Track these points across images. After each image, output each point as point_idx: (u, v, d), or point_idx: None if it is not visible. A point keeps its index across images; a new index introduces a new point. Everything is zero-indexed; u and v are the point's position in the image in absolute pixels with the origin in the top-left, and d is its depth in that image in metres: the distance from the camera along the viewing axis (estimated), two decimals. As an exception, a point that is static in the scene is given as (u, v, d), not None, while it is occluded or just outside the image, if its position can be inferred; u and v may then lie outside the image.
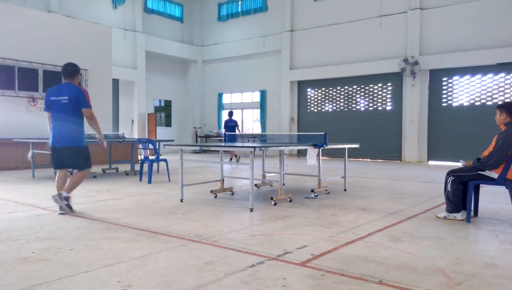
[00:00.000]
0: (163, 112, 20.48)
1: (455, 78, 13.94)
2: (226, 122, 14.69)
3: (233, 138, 13.58)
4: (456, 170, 4.90)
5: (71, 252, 3.44)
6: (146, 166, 8.95)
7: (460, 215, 4.78)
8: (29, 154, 8.92)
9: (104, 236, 3.98)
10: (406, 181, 8.83)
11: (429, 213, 5.23)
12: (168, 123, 20.66)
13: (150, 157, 8.92)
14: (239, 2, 19.47)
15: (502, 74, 13.04)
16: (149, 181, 8.14)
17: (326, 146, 6.40)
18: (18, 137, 10.24)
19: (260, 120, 19.00)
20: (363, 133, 15.54)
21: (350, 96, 16.29)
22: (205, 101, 21.01)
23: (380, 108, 15.58)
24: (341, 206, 5.68)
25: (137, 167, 9.89)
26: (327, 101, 16.92)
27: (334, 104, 16.73)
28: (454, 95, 14.01)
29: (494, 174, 4.63)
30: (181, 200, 5.95)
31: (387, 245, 3.70)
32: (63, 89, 5.05)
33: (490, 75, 13.25)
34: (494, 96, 13.20)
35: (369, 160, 15.44)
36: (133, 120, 18.33)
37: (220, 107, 20.41)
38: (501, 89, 13.11)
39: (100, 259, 3.23)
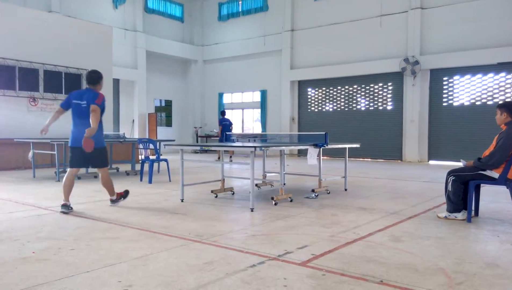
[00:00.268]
0: (164, 112, 20.49)
1: (456, 77, 13.93)
2: (221, 121, 14.93)
3: (229, 137, 13.67)
4: (456, 169, 4.89)
5: (72, 252, 3.44)
6: (146, 166, 8.97)
7: (460, 215, 4.77)
8: (30, 154, 8.92)
9: (105, 236, 3.98)
10: (406, 181, 8.83)
11: (429, 213, 5.23)
12: (168, 123, 20.67)
13: (151, 157, 8.92)
14: (240, 2, 19.47)
15: (503, 74, 13.03)
16: (150, 181, 8.14)
17: (327, 145, 6.40)
18: (19, 137, 10.25)
19: (261, 120, 19.00)
20: (363, 132, 15.53)
21: (350, 96, 16.28)
22: (206, 101, 21.01)
23: (380, 107, 15.57)
24: (342, 206, 5.68)
25: (137, 167, 9.90)
26: (327, 100, 16.91)
27: (334, 104, 16.72)
28: (454, 95, 14.00)
29: (495, 174, 4.62)
30: (182, 200, 5.96)
31: (387, 245, 3.70)
32: (84, 95, 5.39)
33: (490, 75, 13.24)
34: (494, 96, 13.19)
35: (369, 160, 15.43)
36: (133, 120, 18.34)
37: (221, 107, 20.40)
38: (502, 88, 13.10)
39: (101, 259, 3.23)
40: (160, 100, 20.31)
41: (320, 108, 17.17)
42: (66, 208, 5.15)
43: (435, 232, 4.23)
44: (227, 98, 20.39)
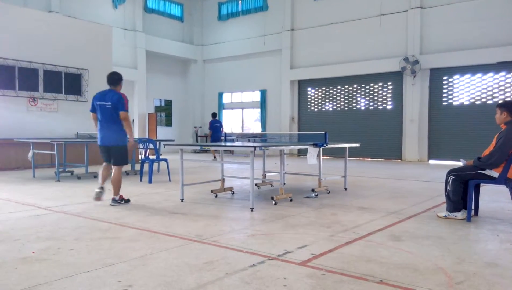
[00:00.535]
0: (164, 112, 20.49)
1: (456, 77, 13.93)
2: (212, 123, 15.26)
3: (217, 139, 14.07)
4: (456, 169, 4.89)
5: (72, 252, 3.44)
6: (146, 166, 8.97)
7: (460, 214, 4.77)
8: (30, 154, 8.93)
9: (105, 236, 3.98)
10: (406, 181, 8.83)
11: (429, 213, 5.23)
12: (168, 123, 20.68)
13: (151, 157, 8.92)
14: (240, 2, 19.47)
15: (503, 73, 13.03)
16: (150, 181, 8.14)
17: (327, 145, 6.40)
18: (19, 137, 10.25)
19: (261, 120, 19.00)
20: (363, 132, 15.54)
21: (350, 95, 16.28)
22: (206, 101, 21.01)
23: (380, 107, 15.57)
24: (342, 206, 5.68)
25: (137, 167, 9.90)
26: (327, 100, 16.91)
27: (334, 103, 16.72)
28: (454, 94, 14.00)
29: (495, 173, 4.62)
30: (182, 200, 5.96)
31: (387, 245, 3.70)
32: (107, 95, 5.67)
33: (490, 74, 13.24)
34: (494, 95, 13.19)
35: (369, 159, 15.43)
36: (133, 120, 18.33)
37: (221, 106, 20.41)
38: (502, 88, 13.10)
39: (100, 259, 3.23)
40: (160, 100, 20.31)
41: (320, 108, 17.17)
42: (101, 189, 5.69)
43: (435, 231, 4.23)
44: (227, 98, 20.39)
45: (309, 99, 17.46)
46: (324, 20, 16.58)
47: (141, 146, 8.97)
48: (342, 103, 16.51)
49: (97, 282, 2.74)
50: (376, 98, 15.65)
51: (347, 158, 7.59)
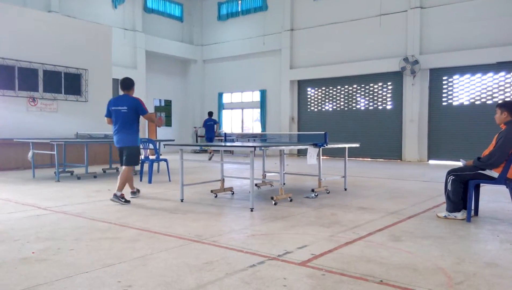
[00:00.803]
0: (163, 112, 20.48)
1: (455, 77, 13.94)
2: (206, 121, 15.58)
3: (211, 138, 14.57)
4: (456, 169, 4.89)
5: (72, 252, 3.44)
6: (146, 166, 8.97)
7: (460, 215, 4.77)
8: (29, 154, 8.92)
9: (105, 236, 3.98)
10: (406, 181, 8.83)
11: (429, 213, 5.23)
12: (168, 123, 20.67)
13: (151, 157, 8.91)
14: (239, 2, 19.47)
15: (502, 73, 13.03)
16: (150, 181, 8.14)
17: (326, 145, 6.40)
18: (18, 137, 10.25)
19: (260, 120, 19.00)
20: (363, 132, 15.54)
21: (350, 96, 16.28)
22: (205, 101, 21.01)
23: (380, 107, 15.57)
24: (342, 206, 5.68)
25: (137, 167, 9.88)
26: (327, 100, 16.91)
27: (334, 104, 16.72)
28: (454, 94, 14.00)
29: (495, 173, 4.62)
30: (182, 200, 5.96)
31: (387, 245, 3.70)
32: (122, 100, 5.97)
33: (490, 74, 13.24)
34: (494, 95, 13.19)
35: (369, 159, 15.44)
36: (133, 120, 18.28)
37: (220, 106, 20.41)
38: (501, 88, 13.10)
39: (100, 259, 3.23)
40: (160, 100, 20.31)
41: (319, 108, 17.17)
42: (133, 194, 6.28)
43: (434, 231, 4.23)
44: (226, 98, 20.39)
45: (309, 99, 17.46)
46: (323, 20, 16.58)
47: (141, 146, 8.95)
48: (342, 103, 16.51)
49: (97, 283, 2.74)
50: (376, 98, 15.65)
51: (347, 158, 7.59)
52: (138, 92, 18.03)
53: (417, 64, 14.13)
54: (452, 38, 13.70)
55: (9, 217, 4.89)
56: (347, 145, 7.51)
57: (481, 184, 5.08)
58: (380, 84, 15.50)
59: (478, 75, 13.45)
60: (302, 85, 17.64)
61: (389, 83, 15.29)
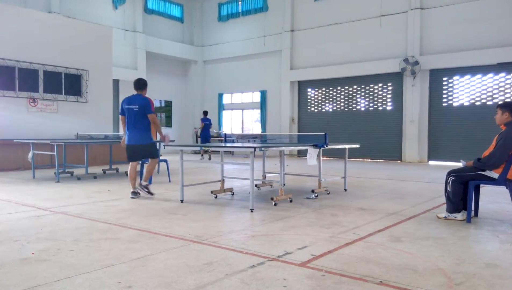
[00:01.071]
0: (164, 113, 20.49)
1: (456, 78, 13.94)
2: (202, 120, 16.11)
3: (207, 137, 15.22)
4: (456, 170, 4.89)
5: (72, 253, 3.44)
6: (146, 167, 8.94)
7: (460, 215, 4.77)
8: (30, 155, 8.92)
9: (105, 236, 3.98)
10: (406, 181, 8.83)
11: (429, 213, 5.23)
12: (168, 124, 20.67)
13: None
14: (240, 2, 19.48)
15: (503, 74, 13.04)
16: (149, 182, 8.12)
17: (327, 146, 6.40)
18: (19, 137, 10.25)
19: (261, 121, 19.00)
20: (363, 133, 15.54)
21: (350, 96, 16.29)
22: (206, 102, 21.00)
23: (380, 108, 15.57)
24: (342, 207, 5.68)
25: (137, 168, 9.87)
26: (327, 101, 16.91)
27: (334, 104, 16.72)
28: (454, 95, 14.01)
29: (495, 174, 4.62)
30: (182, 201, 5.96)
31: (387, 246, 3.70)
32: (135, 100, 6.35)
33: (490, 75, 13.25)
34: (494, 96, 13.19)
35: (369, 160, 15.43)
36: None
37: (221, 107, 20.41)
38: (502, 89, 13.10)
39: (100, 260, 3.23)
40: (160, 101, 20.31)
41: (320, 109, 17.17)
42: (134, 194, 6.31)
43: (434, 232, 4.23)
44: (227, 99, 20.39)
45: (309, 100, 17.46)
46: (324, 21, 16.59)
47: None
48: (342, 104, 16.52)
49: (97, 283, 2.74)
50: (376, 99, 15.65)
51: (347, 159, 7.59)
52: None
53: (417, 65, 14.13)
54: (453, 39, 13.70)
55: (9, 217, 4.89)
56: (347, 146, 7.51)
57: (481, 185, 5.08)
58: (380, 84, 15.51)
59: (479, 76, 13.45)
60: (302, 85, 17.64)
61: (389, 84, 15.30)
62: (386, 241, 3.85)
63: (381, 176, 9.86)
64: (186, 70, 21.22)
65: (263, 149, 6.22)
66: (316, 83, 17.13)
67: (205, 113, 16.56)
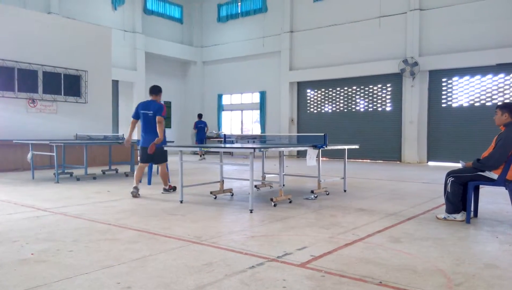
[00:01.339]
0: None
1: (455, 78, 13.96)
2: (197, 123, 16.55)
3: (202, 139, 15.72)
4: (456, 171, 4.90)
5: (71, 253, 3.43)
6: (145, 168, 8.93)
7: (460, 216, 4.77)
8: (29, 156, 8.91)
9: (104, 237, 3.98)
10: (405, 182, 8.83)
11: (429, 214, 5.23)
12: (167, 124, 20.64)
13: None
14: (239, 3, 19.49)
15: (502, 75, 13.06)
16: (149, 183, 8.14)
17: (326, 147, 6.40)
18: (18, 138, 10.24)
19: (260, 121, 19.00)
20: (362, 134, 15.55)
21: (349, 97, 16.30)
22: (205, 102, 21.01)
23: (379, 109, 15.58)
24: (341, 207, 5.68)
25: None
26: (326, 102, 16.92)
27: (333, 105, 16.73)
28: (453, 96, 14.02)
29: (494, 175, 4.62)
30: (181, 201, 5.95)
31: (387, 246, 3.70)
32: (150, 105, 6.79)
33: (489, 76, 13.27)
34: (493, 97, 13.21)
35: (368, 161, 15.44)
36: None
37: (220, 108, 20.41)
38: (501, 89, 13.12)
39: (99, 261, 3.22)
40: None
41: (319, 109, 17.18)
42: (135, 189, 6.52)
43: (434, 233, 4.23)
44: (226, 99, 20.40)
45: (309, 101, 17.47)
46: (323, 22, 16.60)
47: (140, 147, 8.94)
48: (341, 105, 16.52)
49: (96, 284, 2.73)
50: (375, 100, 15.66)
51: (346, 159, 7.59)
52: (137, 94, 18.12)
53: (417, 66, 14.15)
54: (452, 40, 13.72)
55: (8, 218, 4.88)
56: (346, 147, 7.51)
57: (480, 186, 5.07)
58: (379, 85, 15.52)
59: (478, 76, 13.47)
60: (301, 86, 17.65)
61: (388, 85, 15.31)
62: (385, 242, 3.85)
63: (381, 176, 9.86)
64: (186, 71, 21.22)
65: (262, 149, 6.22)
66: (316, 84, 17.14)
67: (200, 116, 16.90)
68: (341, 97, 16.49)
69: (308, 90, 17.45)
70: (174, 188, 6.99)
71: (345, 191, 7.21)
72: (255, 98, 19.24)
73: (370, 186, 8.09)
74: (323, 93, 17.01)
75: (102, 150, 11.64)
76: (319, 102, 17.17)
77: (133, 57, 18.02)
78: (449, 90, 14.11)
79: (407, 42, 14.56)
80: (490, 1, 13.05)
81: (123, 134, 13.45)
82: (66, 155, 10.03)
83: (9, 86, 11.21)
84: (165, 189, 6.97)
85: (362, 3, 15.63)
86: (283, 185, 6.61)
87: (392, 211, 5.43)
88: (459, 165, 5.13)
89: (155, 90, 6.93)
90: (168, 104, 20.65)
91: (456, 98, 13.96)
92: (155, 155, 6.73)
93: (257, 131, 19.31)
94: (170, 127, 20.63)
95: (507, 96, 13.02)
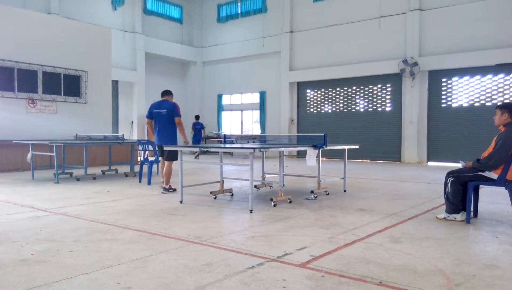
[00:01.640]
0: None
1: (455, 79, 13.95)
2: (194, 124, 16.95)
3: (199, 141, 15.82)
4: (455, 171, 4.90)
5: (71, 253, 3.43)
6: (145, 168, 8.95)
7: (459, 216, 4.77)
8: (29, 156, 8.91)
9: (104, 237, 3.98)
10: (405, 182, 8.83)
11: (428, 214, 5.23)
12: (167, 125, 20.62)
13: (150, 159, 8.90)
14: (239, 4, 19.49)
15: (501, 75, 13.05)
16: (149, 183, 8.14)
17: (326, 147, 6.40)
18: (18, 138, 10.24)
19: (260, 121, 19.00)
20: (362, 134, 15.54)
21: (349, 97, 16.30)
22: (205, 103, 21.01)
23: (379, 109, 15.58)
24: (341, 207, 5.68)
25: (136, 168, 9.89)
26: (326, 102, 16.92)
27: (333, 105, 16.73)
28: (453, 96, 14.02)
29: (494, 175, 4.63)
30: (181, 202, 5.95)
31: (387, 246, 3.70)
32: (163, 104, 7.27)
33: (489, 76, 13.26)
34: (493, 97, 13.21)
35: (368, 161, 15.44)
36: (132, 122, 18.32)
37: (220, 108, 20.41)
38: (500, 90, 13.12)
39: (99, 261, 3.22)
40: (159, 102, 20.27)
41: (319, 110, 17.18)
42: (166, 190, 6.98)
43: (434, 233, 4.23)
44: (226, 100, 20.39)
45: (308, 101, 17.46)
46: (323, 22, 16.60)
47: (140, 147, 8.96)
48: (341, 105, 16.52)
49: (96, 284, 2.73)
50: (375, 100, 15.66)
51: (346, 160, 7.59)
52: (137, 94, 18.14)
53: (416, 66, 14.15)
54: (451, 40, 13.72)
55: (8, 218, 4.88)
56: (346, 147, 7.51)
57: (480, 186, 5.08)
58: (379, 86, 15.52)
59: (477, 77, 13.47)
60: (301, 87, 17.65)
61: (388, 85, 15.31)
62: (385, 242, 3.85)
63: (381, 177, 9.87)
64: (185, 71, 21.22)
65: (262, 150, 6.22)
66: (315, 84, 17.14)
67: (197, 117, 17.11)
68: (341, 97, 16.49)
69: (308, 90, 17.45)
70: (174, 189, 7.04)
71: (345, 191, 7.21)
72: (255, 98, 19.23)
73: (370, 186, 8.09)
74: (323, 93, 17.01)
75: (102, 150, 11.64)
76: (319, 102, 17.17)
77: (133, 57, 18.02)
78: (449, 90, 14.11)
79: (407, 42, 14.56)
80: (490, 1, 13.05)
81: (122, 134, 13.47)
82: (66, 155, 10.04)
83: (9, 86, 11.20)
84: (165, 189, 7.03)
85: (362, 3, 15.63)
86: (283, 185, 6.62)
87: (392, 211, 5.43)
88: (459, 165, 5.13)
89: (167, 92, 7.49)
90: (168, 104, 20.64)
91: (456, 98, 13.96)
92: (168, 152, 6.98)
93: (257, 131, 19.31)
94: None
95: (506, 96, 13.02)
